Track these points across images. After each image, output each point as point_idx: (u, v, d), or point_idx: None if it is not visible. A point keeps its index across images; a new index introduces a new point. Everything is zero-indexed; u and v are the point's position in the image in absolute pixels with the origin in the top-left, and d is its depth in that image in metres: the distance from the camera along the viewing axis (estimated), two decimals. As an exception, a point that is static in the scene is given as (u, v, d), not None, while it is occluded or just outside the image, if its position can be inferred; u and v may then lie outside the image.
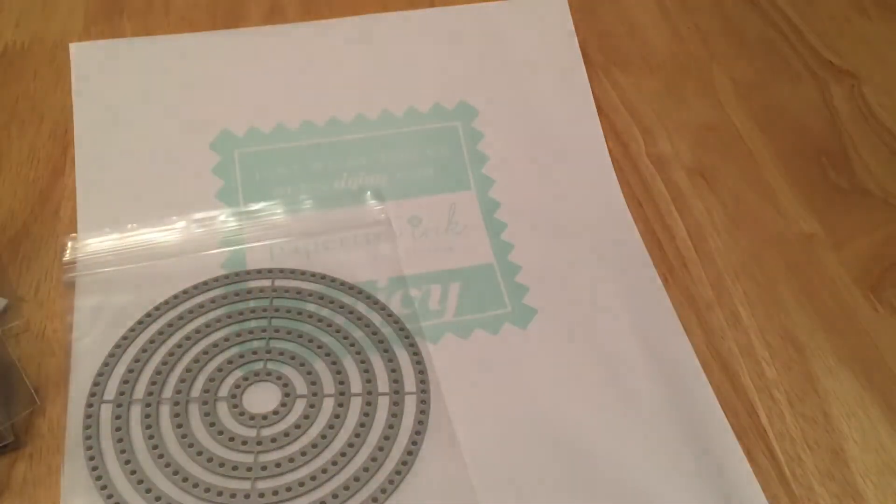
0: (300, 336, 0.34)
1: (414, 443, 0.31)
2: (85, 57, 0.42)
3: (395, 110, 0.42)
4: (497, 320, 0.35)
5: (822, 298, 0.37)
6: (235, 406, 0.32)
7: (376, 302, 0.35)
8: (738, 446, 0.32)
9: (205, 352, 0.33)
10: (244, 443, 0.31)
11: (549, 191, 0.40)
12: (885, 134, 0.44)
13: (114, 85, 0.41)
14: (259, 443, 0.31)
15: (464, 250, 0.38)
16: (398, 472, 0.30)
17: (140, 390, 0.32)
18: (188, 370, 0.33)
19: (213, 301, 0.35)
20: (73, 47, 0.42)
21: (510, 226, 0.39)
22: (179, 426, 0.31)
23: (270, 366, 0.33)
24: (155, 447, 0.30)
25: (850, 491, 0.31)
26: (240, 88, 0.42)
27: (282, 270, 0.36)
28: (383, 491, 0.30)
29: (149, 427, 0.31)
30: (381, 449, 0.31)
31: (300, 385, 0.33)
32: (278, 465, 0.30)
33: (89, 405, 0.31)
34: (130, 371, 0.32)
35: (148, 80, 0.41)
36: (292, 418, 0.32)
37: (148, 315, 0.34)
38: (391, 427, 0.31)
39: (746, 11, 0.50)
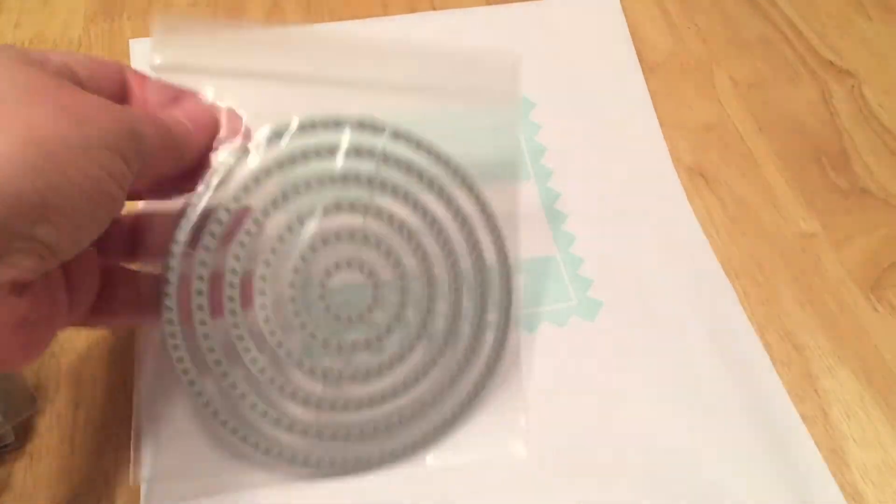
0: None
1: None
2: (144, 53, 0.43)
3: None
4: (563, 313, 0.35)
5: (822, 298, 0.37)
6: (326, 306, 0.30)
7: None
8: (807, 435, 0.32)
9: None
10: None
11: (608, 180, 0.40)
12: (885, 134, 0.44)
13: (174, 77, 0.42)
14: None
15: (526, 242, 0.38)
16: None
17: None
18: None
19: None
20: (133, 43, 0.43)
21: (571, 217, 0.39)
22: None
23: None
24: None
25: (850, 491, 0.31)
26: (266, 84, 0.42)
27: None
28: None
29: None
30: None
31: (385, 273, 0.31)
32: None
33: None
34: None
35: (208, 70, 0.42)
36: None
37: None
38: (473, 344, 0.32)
39: (746, 11, 0.50)
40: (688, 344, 0.35)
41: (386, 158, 0.31)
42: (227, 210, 0.29)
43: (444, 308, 0.31)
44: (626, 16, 0.48)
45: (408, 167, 0.31)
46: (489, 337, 0.32)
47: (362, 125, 0.31)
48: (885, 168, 0.42)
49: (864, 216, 0.40)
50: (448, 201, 0.32)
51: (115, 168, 0.22)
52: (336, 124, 0.30)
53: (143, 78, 0.28)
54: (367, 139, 0.31)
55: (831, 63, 0.47)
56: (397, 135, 0.31)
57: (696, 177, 0.41)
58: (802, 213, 0.40)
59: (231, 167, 0.29)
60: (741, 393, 0.33)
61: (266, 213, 0.29)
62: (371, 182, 0.31)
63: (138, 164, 0.24)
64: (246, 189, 0.29)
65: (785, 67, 0.47)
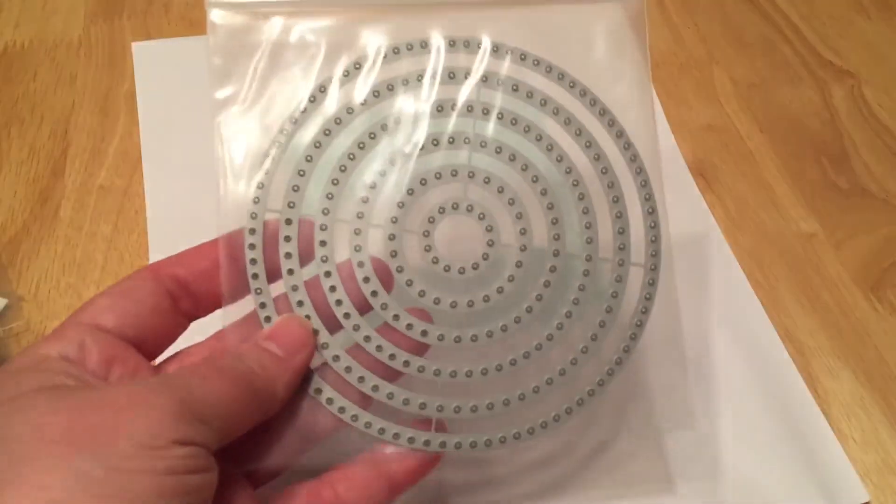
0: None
1: (639, 324, 0.27)
2: (147, 56, 0.43)
3: None
4: None
5: (822, 298, 0.37)
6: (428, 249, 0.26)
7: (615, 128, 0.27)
8: (824, 421, 0.33)
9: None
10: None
11: None
12: (885, 134, 0.44)
13: (176, 83, 0.42)
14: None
15: None
16: (625, 349, 0.26)
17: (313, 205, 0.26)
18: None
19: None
20: (136, 46, 0.44)
21: None
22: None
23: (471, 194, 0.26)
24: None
25: (850, 491, 0.31)
26: None
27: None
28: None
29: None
30: (602, 325, 0.26)
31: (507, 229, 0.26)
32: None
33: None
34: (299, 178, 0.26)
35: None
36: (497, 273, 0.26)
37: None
38: (614, 296, 0.26)
39: (746, 11, 0.50)
40: (702, 333, 0.35)
41: (486, 79, 0.26)
42: (309, 159, 0.25)
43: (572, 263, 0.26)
44: (626, 16, 0.48)
45: (517, 88, 0.26)
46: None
47: (455, 44, 0.26)
48: (885, 168, 0.42)
49: (864, 216, 0.40)
50: (576, 130, 0.26)
51: (175, 461, 0.19)
52: (423, 46, 0.26)
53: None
54: (463, 59, 0.26)
55: (831, 63, 0.47)
56: (500, 50, 0.26)
57: (697, 177, 0.41)
58: (802, 213, 0.40)
59: (307, 112, 0.25)
60: (757, 378, 0.34)
61: (352, 156, 0.25)
62: (471, 110, 0.26)
63: (210, 426, 0.20)
64: (327, 133, 0.25)
65: (785, 67, 0.47)
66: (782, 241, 0.39)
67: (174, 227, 0.36)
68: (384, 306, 0.25)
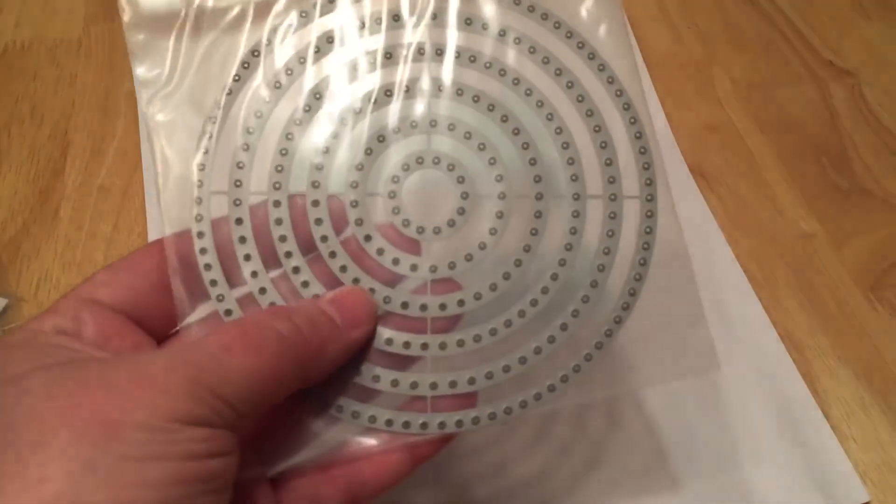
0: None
1: (642, 262, 0.24)
2: None
3: None
4: None
5: (822, 298, 0.37)
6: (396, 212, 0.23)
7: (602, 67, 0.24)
8: (824, 421, 0.32)
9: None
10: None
11: None
12: (885, 134, 0.44)
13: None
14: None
15: None
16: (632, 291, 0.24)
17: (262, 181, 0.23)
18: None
19: None
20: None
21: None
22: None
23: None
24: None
25: (850, 491, 0.31)
26: None
27: None
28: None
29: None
30: (601, 269, 0.24)
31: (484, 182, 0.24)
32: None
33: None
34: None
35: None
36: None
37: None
38: (610, 235, 0.24)
39: (746, 11, 0.50)
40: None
41: (436, 16, 0.24)
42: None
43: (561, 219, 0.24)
44: (626, 16, 0.48)
45: (471, 22, 0.24)
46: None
47: None
48: (885, 168, 0.42)
49: (864, 216, 0.40)
50: (543, 58, 0.24)
51: (192, 445, 0.18)
52: None
53: None
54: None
55: (831, 63, 0.47)
56: None
57: (697, 177, 0.41)
58: (802, 213, 0.40)
59: (240, 80, 0.23)
60: (760, 381, 0.34)
61: (299, 122, 0.23)
62: (423, 52, 0.23)
63: (232, 404, 0.19)
64: (267, 100, 0.23)
65: (785, 67, 0.47)
66: (782, 241, 0.39)
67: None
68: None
